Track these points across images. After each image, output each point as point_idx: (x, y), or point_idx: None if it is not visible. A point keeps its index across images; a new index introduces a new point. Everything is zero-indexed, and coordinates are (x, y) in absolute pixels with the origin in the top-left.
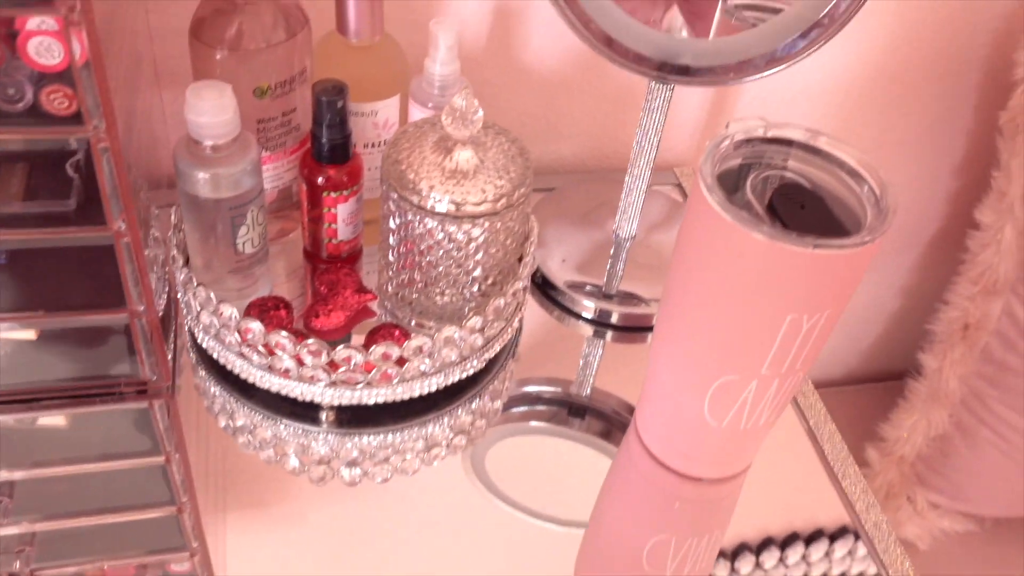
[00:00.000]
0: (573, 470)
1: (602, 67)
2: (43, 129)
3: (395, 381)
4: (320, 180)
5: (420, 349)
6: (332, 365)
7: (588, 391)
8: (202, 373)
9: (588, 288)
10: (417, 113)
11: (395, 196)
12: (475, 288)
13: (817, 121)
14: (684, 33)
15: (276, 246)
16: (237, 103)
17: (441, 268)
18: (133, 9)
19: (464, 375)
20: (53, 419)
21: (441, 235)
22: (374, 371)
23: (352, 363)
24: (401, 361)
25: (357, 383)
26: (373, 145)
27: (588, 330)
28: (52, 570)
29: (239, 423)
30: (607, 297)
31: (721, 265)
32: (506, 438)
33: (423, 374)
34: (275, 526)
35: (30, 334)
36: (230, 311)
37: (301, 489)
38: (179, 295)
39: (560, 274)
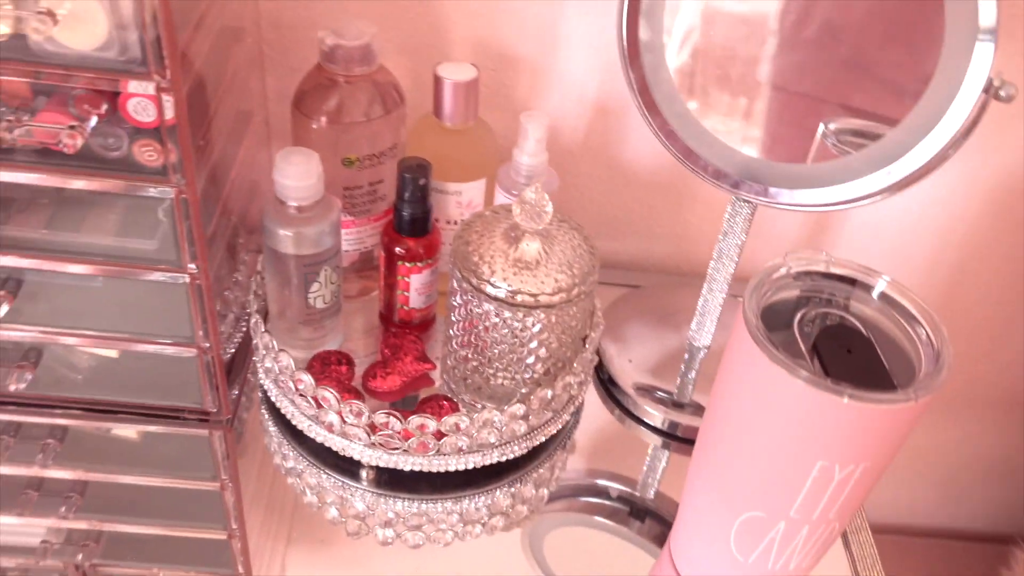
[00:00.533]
0: (623, 571)
1: None
2: (134, 176)
3: (431, 452)
4: (398, 250)
5: (457, 426)
6: (372, 427)
7: (651, 495)
8: (264, 412)
9: (656, 394)
10: (502, 198)
11: (459, 275)
12: (528, 375)
13: (927, 260)
14: (765, 154)
15: (357, 303)
16: (322, 170)
17: (497, 351)
18: (249, 72)
19: (504, 459)
20: (126, 431)
21: (498, 320)
22: (411, 439)
23: (390, 428)
24: (439, 434)
25: (395, 448)
26: (455, 223)
27: (651, 435)
28: (110, 568)
29: (288, 464)
30: (676, 406)
31: (754, 398)
32: (567, 526)
33: (460, 450)
34: (334, 569)
35: (113, 352)
36: (287, 360)
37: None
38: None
39: (628, 374)
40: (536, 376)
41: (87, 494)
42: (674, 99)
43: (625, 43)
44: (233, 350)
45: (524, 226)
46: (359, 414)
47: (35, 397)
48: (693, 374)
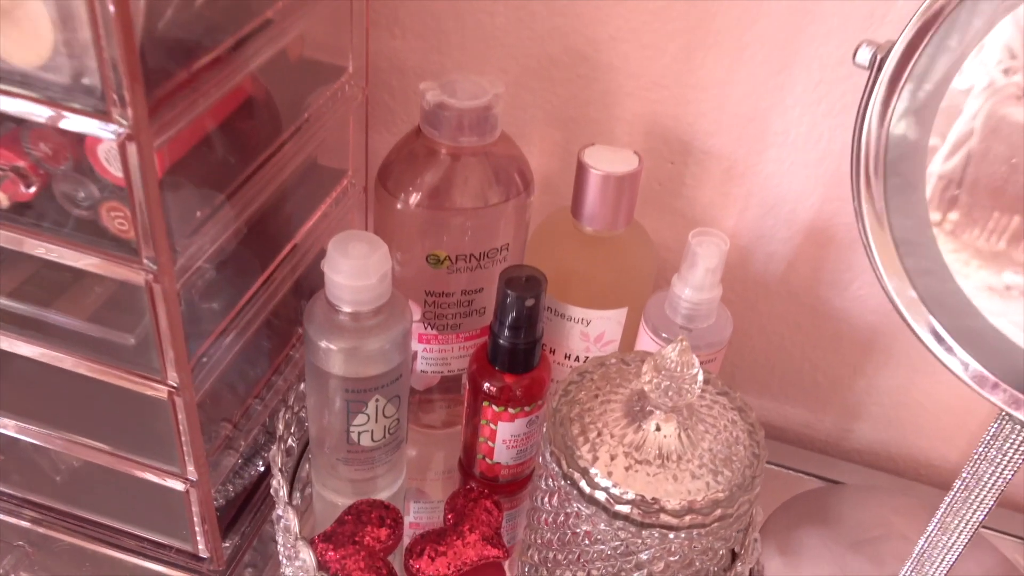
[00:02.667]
0: None
1: None
2: (94, 249)
3: None
4: (486, 386)
5: None
6: None
7: None
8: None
9: None
10: (646, 341)
11: (550, 451)
12: None
13: None
14: None
15: (442, 435)
16: (390, 268)
17: (593, 570)
18: (345, 122)
19: None
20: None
21: (592, 528)
22: None
23: None
24: None
25: None
26: (577, 359)
27: None
28: None
29: None
30: None
31: None
32: None
33: None
34: None
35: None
36: (292, 520)
37: None
38: None
39: None
40: None
41: None
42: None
43: (879, 146)
44: (245, 484)
45: (655, 400)
46: None
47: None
48: None
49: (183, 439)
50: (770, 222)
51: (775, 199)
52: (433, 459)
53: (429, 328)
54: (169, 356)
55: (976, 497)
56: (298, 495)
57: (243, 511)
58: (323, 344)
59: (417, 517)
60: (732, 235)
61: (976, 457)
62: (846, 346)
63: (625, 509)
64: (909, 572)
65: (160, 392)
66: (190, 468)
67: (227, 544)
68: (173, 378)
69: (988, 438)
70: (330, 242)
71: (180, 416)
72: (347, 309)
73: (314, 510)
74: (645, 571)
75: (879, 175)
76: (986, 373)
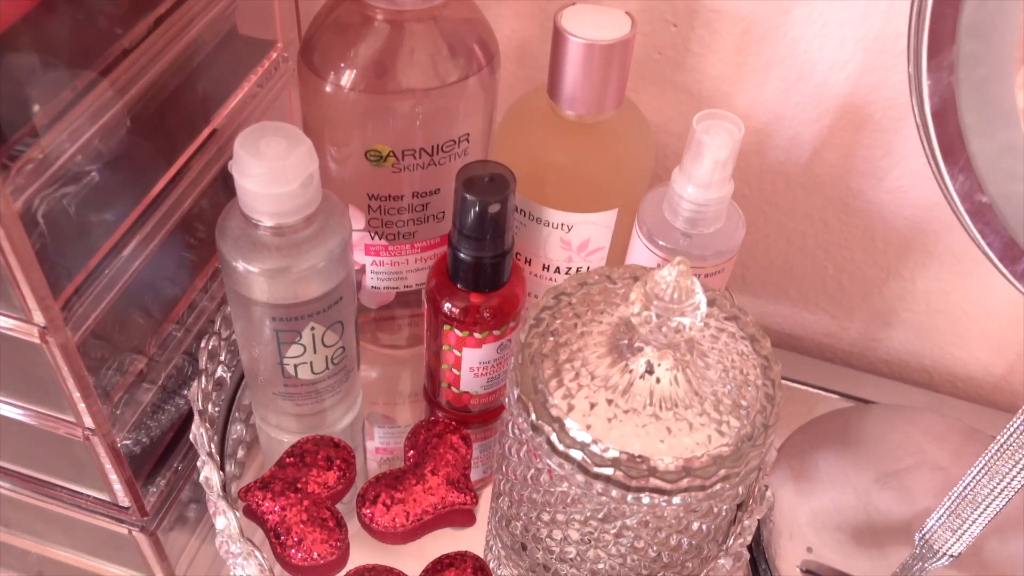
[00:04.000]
0: None
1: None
2: None
3: None
4: (448, 307)
5: None
6: None
7: None
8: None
9: None
10: (639, 251)
11: (515, 395)
12: (621, 570)
13: None
14: None
15: (407, 353)
16: (316, 169)
17: (567, 532)
18: None
19: None
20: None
21: (567, 487)
22: None
23: None
24: None
25: None
26: (557, 271)
27: None
28: None
29: None
30: None
31: None
32: None
33: None
34: None
35: None
36: (212, 474)
37: None
38: None
39: (796, 558)
40: (632, 569)
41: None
42: (1006, 125)
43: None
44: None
45: (643, 335)
46: None
47: None
48: None
49: (67, 384)
50: (794, 99)
51: (801, 70)
52: (399, 381)
53: (377, 238)
54: (27, 291)
55: None
56: (241, 426)
57: (172, 451)
58: (240, 266)
59: (384, 442)
60: (747, 116)
61: None
62: (879, 245)
63: (607, 470)
64: (945, 516)
65: (31, 335)
66: (85, 417)
67: (155, 487)
68: (39, 318)
69: None
70: (237, 138)
71: (59, 359)
72: (267, 223)
73: (260, 445)
74: (632, 535)
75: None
76: None
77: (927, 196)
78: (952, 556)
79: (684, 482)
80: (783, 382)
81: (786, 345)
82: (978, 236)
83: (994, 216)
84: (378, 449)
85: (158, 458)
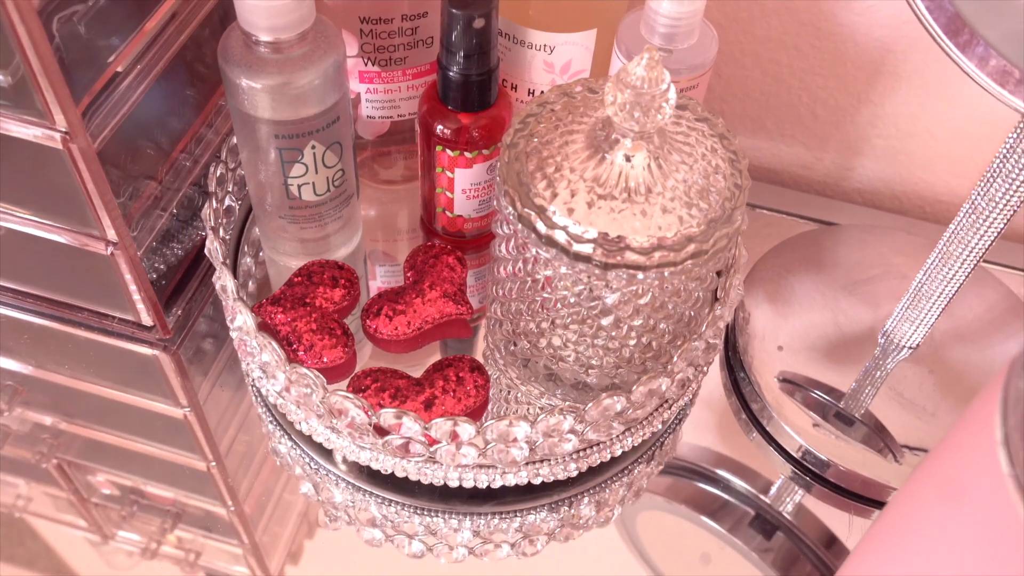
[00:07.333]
0: None
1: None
2: None
3: (427, 455)
4: (439, 129)
5: (454, 434)
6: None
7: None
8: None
9: (811, 395)
10: (620, 67)
11: (505, 192)
12: (603, 361)
13: None
14: None
15: (403, 189)
16: None
17: (558, 317)
18: None
19: (537, 481)
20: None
21: (552, 273)
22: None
23: (358, 423)
24: (454, 435)
25: (372, 443)
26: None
27: (794, 463)
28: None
29: (266, 417)
30: (844, 421)
31: (961, 520)
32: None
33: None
34: None
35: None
36: (228, 281)
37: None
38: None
39: (773, 365)
40: (634, 358)
41: (35, 390)
42: None
43: None
44: (187, 249)
45: (619, 125)
46: (311, 391)
47: None
48: (881, 382)
49: (90, 193)
50: None
51: None
52: (397, 217)
53: (370, 64)
54: (50, 96)
55: (985, 220)
56: (250, 260)
57: (190, 277)
58: (243, 83)
59: (384, 281)
60: None
61: (989, 173)
62: (851, 71)
63: (587, 249)
64: (904, 309)
65: (53, 141)
66: (109, 229)
67: (176, 311)
68: (61, 122)
69: (1005, 150)
70: None
71: (80, 166)
72: (266, 38)
73: (269, 276)
74: (612, 316)
75: None
76: (1010, 64)
77: (896, 15)
78: (911, 348)
79: (657, 256)
80: (761, 211)
81: (764, 179)
82: (924, 11)
83: None
84: (379, 288)
85: (174, 287)
